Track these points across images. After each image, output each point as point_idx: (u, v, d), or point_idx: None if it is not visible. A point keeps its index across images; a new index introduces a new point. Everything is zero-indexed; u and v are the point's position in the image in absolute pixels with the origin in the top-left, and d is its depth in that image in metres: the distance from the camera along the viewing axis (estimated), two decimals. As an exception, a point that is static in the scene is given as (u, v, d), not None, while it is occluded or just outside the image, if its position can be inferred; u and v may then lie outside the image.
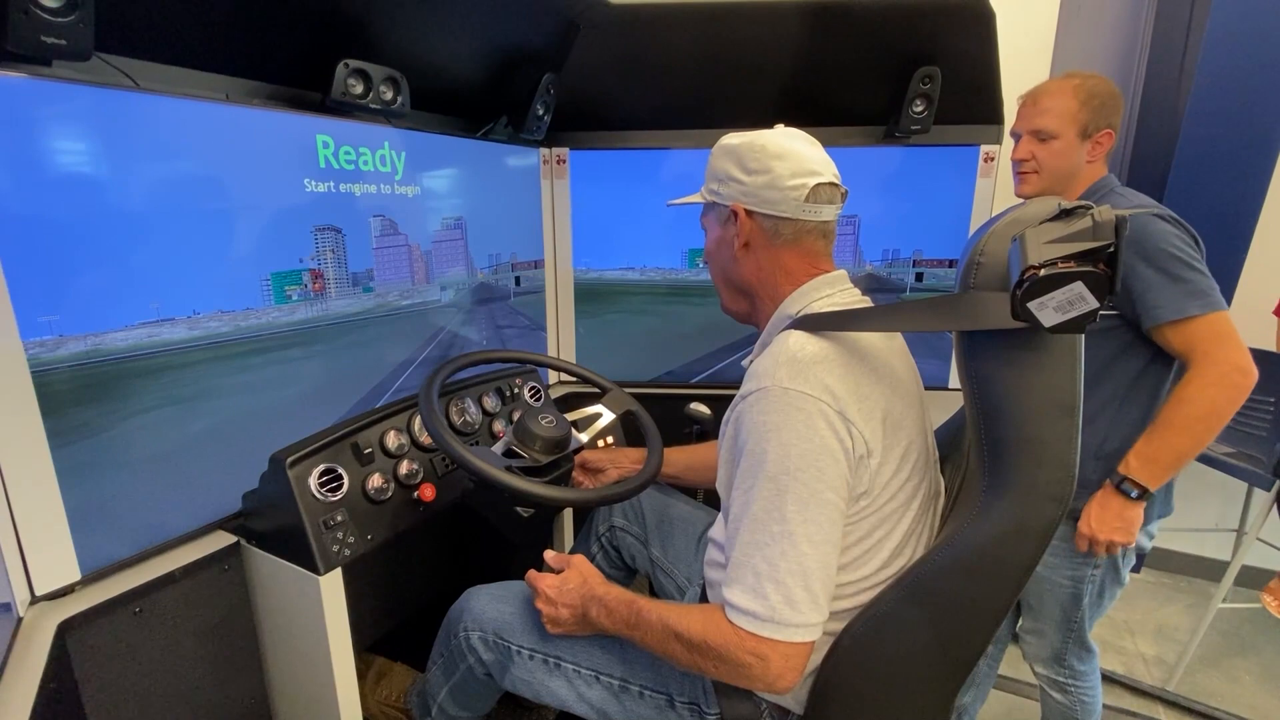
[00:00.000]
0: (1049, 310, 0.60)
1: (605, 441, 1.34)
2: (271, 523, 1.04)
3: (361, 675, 1.16)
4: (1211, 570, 2.28)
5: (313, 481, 1.01)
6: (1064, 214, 0.61)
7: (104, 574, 0.93)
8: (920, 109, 1.58)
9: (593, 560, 1.29)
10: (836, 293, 0.86)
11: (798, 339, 0.78)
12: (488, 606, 1.04)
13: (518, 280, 1.78)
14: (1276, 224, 1.90)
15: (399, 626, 1.39)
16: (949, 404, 0.95)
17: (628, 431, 1.37)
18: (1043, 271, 0.59)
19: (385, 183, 1.34)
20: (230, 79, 1.11)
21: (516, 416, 1.13)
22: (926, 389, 0.90)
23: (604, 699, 0.95)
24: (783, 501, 0.72)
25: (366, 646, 1.37)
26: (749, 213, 0.86)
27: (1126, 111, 1.94)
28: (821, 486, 0.72)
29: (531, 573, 0.97)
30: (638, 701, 0.94)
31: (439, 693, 1.11)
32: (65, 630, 0.85)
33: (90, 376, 0.90)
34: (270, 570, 1.05)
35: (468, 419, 1.31)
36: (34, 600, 0.86)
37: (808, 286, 0.86)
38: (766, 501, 0.73)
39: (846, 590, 0.80)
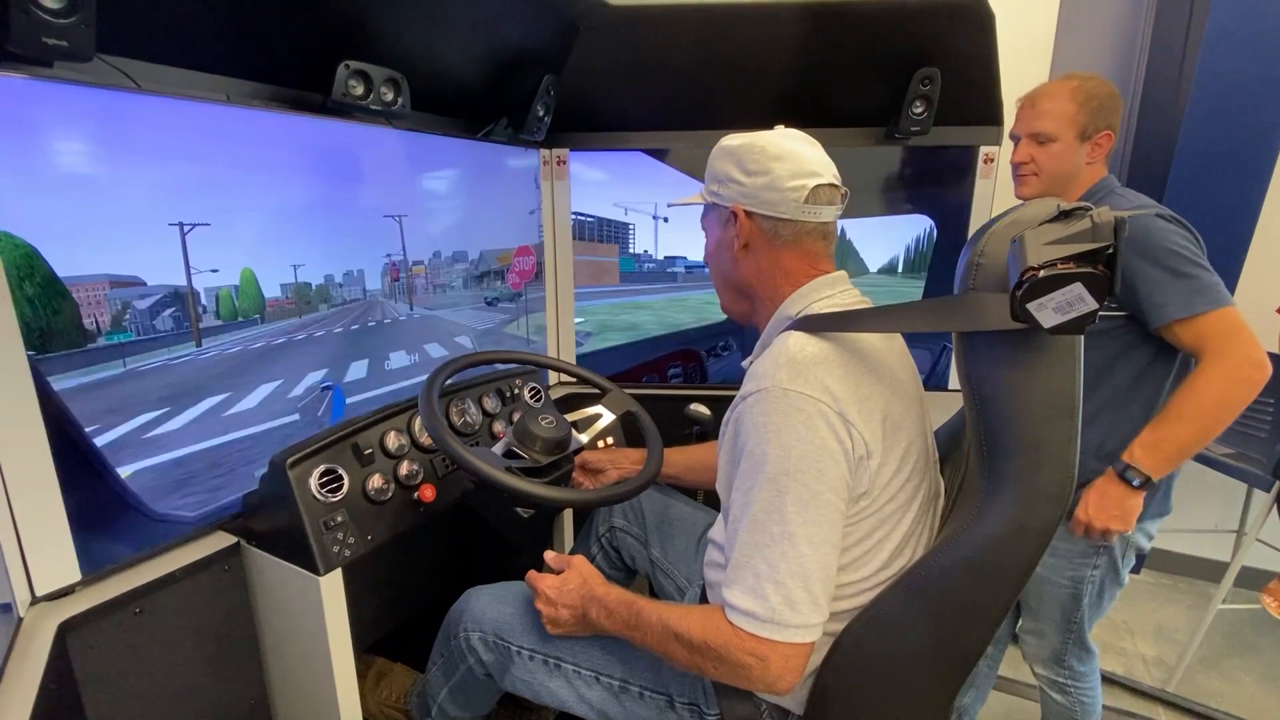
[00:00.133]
0: (1048, 311, 0.60)
1: (605, 442, 1.34)
2: (272, 523, 1.04)
3: (361, 676, 1.16)
4: (1211, 571, 2.28)
5: (313, 482, 1.01)
6: (1063, 215, 0.61)
7: (104, 574, 0.93)
8: (920, 110, 1.58)
9: (592, 561, 1.29)
10: (837, 293, 0.86)
11: (798, 340, 0.78)
12: (488, 607, 1.04)
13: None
14: (1276, 224, 1.90)
15: (399, 627, 1.39)
16: (949, 405, 0.95)
17: (628, 432, 1.37)
18: (1042, 273, 0.59)
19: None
20: (231, 80, 1.11)
21: (516, 417, 1.13)
22: (926, 390, 0.90)
23: (604, 699, 0.95)
24: (783, 502, 0.72)
25: (366, 647, 1.37)
26: (749, 214, 0.86)
27: (1126, 112, 1.94)
28: (821, 487, 0.72)
29: (531, 573, 0.98)
30: (637, 702, 0.94)
31: (439, 693, 1.11)
32: (65, 631, 0.85)
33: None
34: (270, 571, 1.05)
35: (468, 420, 1.31)
36: (34, 601, 0.86)
37: (808, 287, 0.86)
38: (766, 502, 0.73)
39: (846, 591, 0.80)
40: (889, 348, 0.85)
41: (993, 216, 0.70)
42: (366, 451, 1.09)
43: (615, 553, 1.32)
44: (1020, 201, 1.17)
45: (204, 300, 1.08)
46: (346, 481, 1.04)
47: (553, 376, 1.83)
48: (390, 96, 1.23)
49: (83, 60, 0.80)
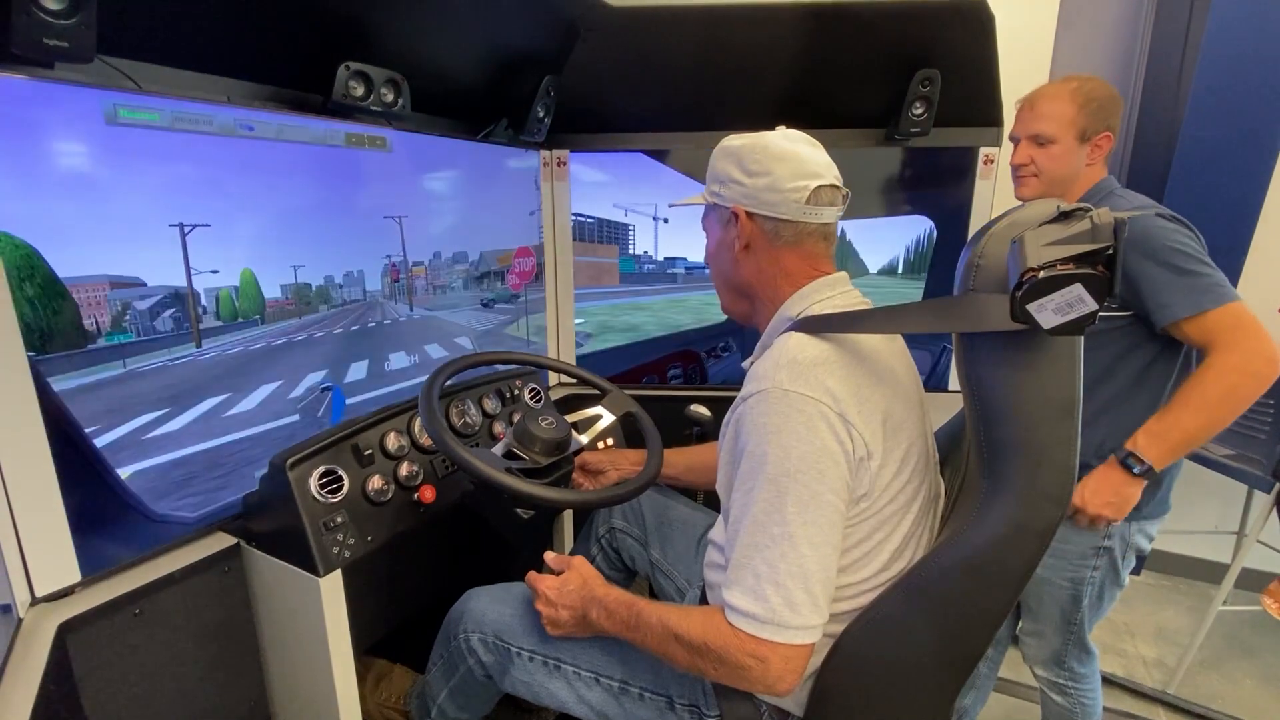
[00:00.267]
0: (1048, 312, 0.60)
1: (605, 443, 1.34)
2: (272, 524, 1.04)
3: (361, 677, 1.16)
4: (1211, 572, 2.28)
5: (313, 483, 1.01)
6: (1063, 216, 0.61)
7: (104, 575, 0.93)
8: (920, 111, 1.58)
9: (592, 562, 1.29)
10: (837, 294, 0.86)
11: (798, 341, 0.78)
12: (488, 608, 1.04)
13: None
14: (1276, 224, 1.91)
15: (399, 628, 1.39)
16: (949, 406, 0.95)
17: (627, 433, 1.37)
18: (1042, 273, 0.59)
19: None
20: (232, 81, 1.11)
21: (516, 418, 1.13)
22: (926, 391, 0.90)
23: (604, 701, 0.95)
24: (783, 503, 0.72)
25: (366, 648, 1.37)
26: (750, 215, 0.86)
27: (1126, 112, 1.95)
28: (822, 488, 0.72)
29: (531, 574, 0.98)
30: (637, 703, 0.94)
31: (439, 694, 1.11)
32: (65, 631, 0.85)
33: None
34: (270, 572, 1.05)
35: (468, 421, 1.31)
36: (34, 602, 0.86)
37: (808, 288, 0.86)
38: (767, 503, 0.73)
39: (846, 592, 0.80)
40: (889, 349, 0.85)
41: (992, 218, 0.70)
42: (366, 452, 1.09)
43: (615, 554, 1.32)
44: (1020, 203, 1.17)
45: (204, 301, 1.08)
46: (346, 482, 1.04)
47: (553, 377, 1.83)
48: (390, 97, 1.23)
49: (83, 61, 0.80)
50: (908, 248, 1.85)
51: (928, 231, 1.83)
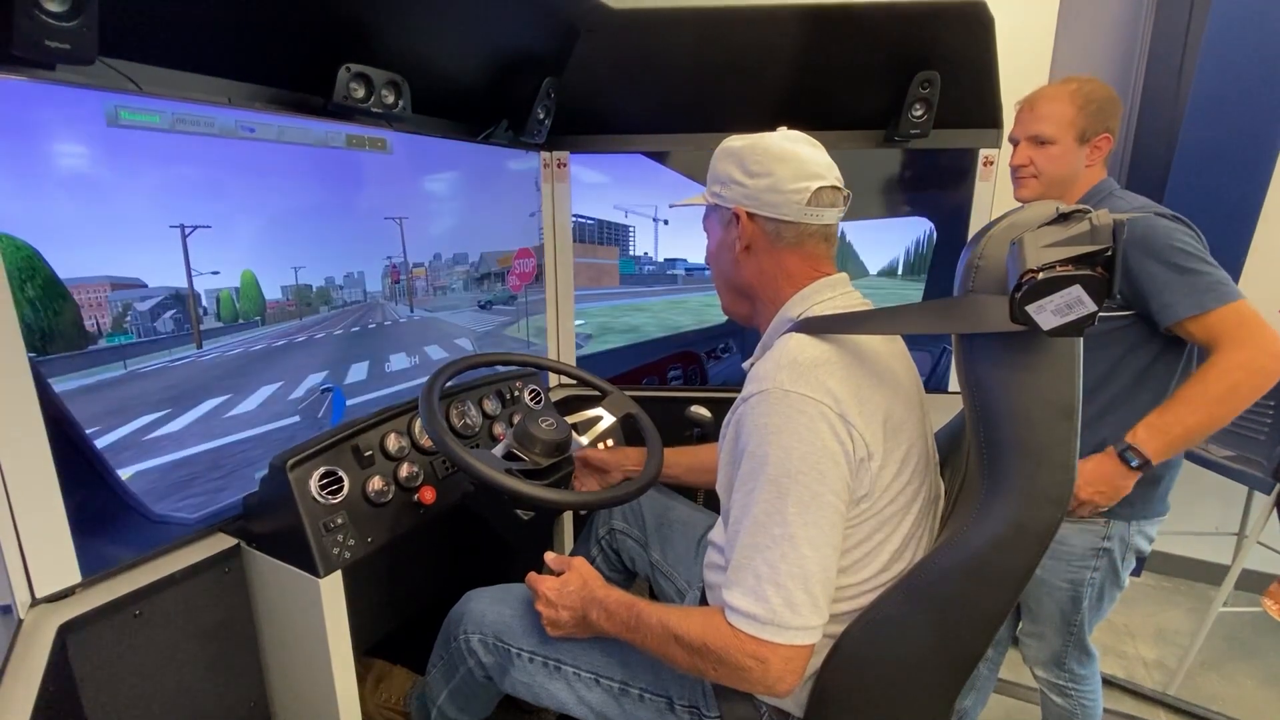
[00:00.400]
0: (1047, 313, 0.60)
1: (606, 444, 1.34)
2: (272, 525, 1.04)
3: (361, 678, 1.16)
4: (1212, 574, 2.28)
5: (313, 484, 1.01)
6: (1062, 218, 0.61)
7: (104, 576, 0.93)
8: (919, 113, 1.59)
9: (592, 563, 1.29)
10: (838, 295, 0.86)
11: (799, 342, 0.78)
12: (488, 609, 1.04)
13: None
14: (1277, 224, 1.91)
15: (399, 629, 1.39)
16: (949, 407, 0.95)
17: (628, 434, 1.38)
18: (1041, 275, 0.59)
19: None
20: (233, 83, 1.11)
21: (516, 419, 1.13)
22: (926, 392, 0.90)
23: (604, 702, 0.95)
24: (784, 504, 0.72)
25: (366, 649, 1.37)
26: (751, 215, 0.86)
27: (1126, 114, 1.95)
28: (823, 489, 0.72)
29: (531, 575, 0.98)
30: (637, 704, 0.94)
31: (439, 696, 1.11)
32: (65, 632, 0.85)
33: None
34: (270, 573, 1.05)
35: (468, 422, 1.31)
36: (34, 602, 0.86)
37: (809, 289, 0.86)
38: (767, 504, 0.73)
39: (846, 593, 0.80)
40: (890, 350, 0.85)
41: (992, 219, 0.70)
42: (367, 453, 1.09)
43: (615, 555, 1.32)
44: (1019, 204, 1.17)
45: (205, 302, 1.08)
46: (346, 483, 1.05)
47: (553, 379, 1.83)
48: (391, 99, 1.23)
49: (85, 63, 0.81)
50: (907, 249, 1.85)
51: (927, 233, 1.83)
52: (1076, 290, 0.58)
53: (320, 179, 1.26)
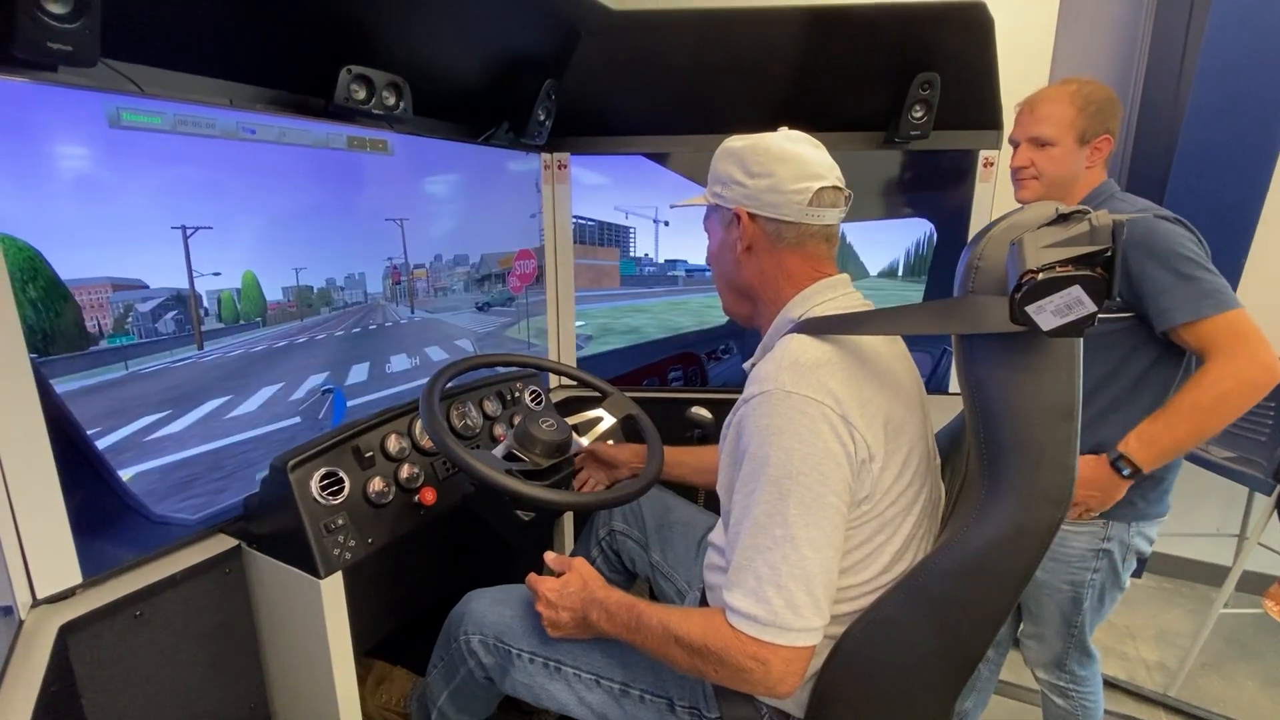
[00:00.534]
0: (1047, 314, 0.60)
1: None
2: (273, 526, 1.04)
3: (361, 680, 1.16)
4: (1213, 575, 2.27)
5: (314, 485, 1.01)
6: (1061, 218, 0.62)
7: (105, 577, 0.93)
8: (920, 114, 1.59)
9: (593, 564, 1.28)
10: (839, 296, 0.86)
11: (800, 343, 0.78)
12: (488, 610, 1.04)
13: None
14: (1277, 225, 1.91)
15: (399, 630, 1.39)
16: (949, 408, 0.95)
17: (628, 435, 1.38)
18: (1041, 275, 0.59)
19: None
20: (234, 84, 1.12)
21: (517, 420, 1.13)
22: (927, 393, 0.90)
23: (604, 703, 0.95)
24: (785, 505, 0.72)
25: (366, 651, 1.37)
26: (752, 216, 0.86)
27: (1126, 114, 1.95)
28: (824, 490, 0.72)
29: (531, 576, 0.98)
30: (638, 705, 0.94)
31: (439, 697, 1.11)
32: (66, 633, 0.85)
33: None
34: (271, 574, 1.05)
35: (468, 423, 1.32)
36: (35, 603, 0.86)
37: (810, 290, 0.86)
38: (769, 505, 0.73)
39: (847, 594, 0.80)
40: (891, 351, 0.85)
41: (992, 220, 0.70)
42: (367, 454, 1.09)
43: (615, 556, 1.32)
44: (1020, 205, 1.17)
45: (206, 303, 1.08)
46: (347, 484, 1.05)
47: (553, 380, 1.83)
48: (392, 101, 1.24)
49: (87, 65, 0.81)
50: (908, 250, 1.85)
51: (928, 234, 1.83)
52: (1076, 291, 0.58)
53: (321, 180, 1.26)
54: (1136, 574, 1.27)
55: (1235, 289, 1.04)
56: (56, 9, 0.75)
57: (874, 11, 1.44)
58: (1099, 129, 1.16)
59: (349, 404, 1.37)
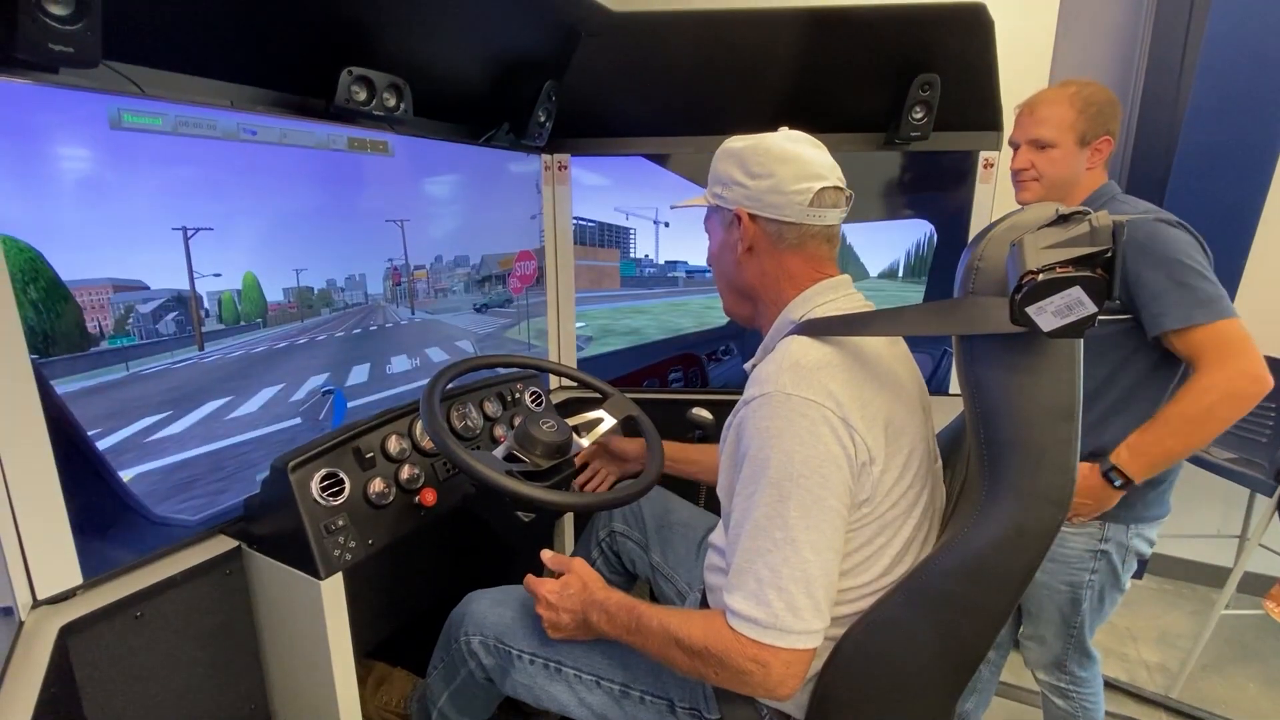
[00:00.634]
0: (1048, 315, 0.60)
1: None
2: (273, 527, 1.04)
3: (361, 681, 1.16)
4: (1214, 576, 2.27)
5: (314, 486, 1.01)
6: (1062, 219, 0.62)
7: (105, 578, 0.93)
8: (920, 116, 1.59)
9: (593, 565, 1.29)
10: (840, 297, 0.86)
11: (801, 344, 0.78)
12: (488, 611, 1.04)
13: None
14: (1277, 228, 1.91)
15: (399, 632, 1.39)
16: (950, 409, 0.95)
17: (629, 436, 1.37)
18: (1041, 276, 0.59)
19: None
20: (235, 86, 1.12)
21: (517, 421, 1.13)
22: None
23: (605, 704, 0.95)
24: (785, 508, 0.72)
25: (367, 652, 1.37)
26: (753, 217, 0.85)
27: (1126, 117, 1.95)
28: (825, 493, 0.72)
29: (530, 578, 0.97)
30: (638, 707, 0.94)
31: (439, 698, 1.11)
32: (67, 634, 0.85)
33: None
34: (271, 575, 1.05)
35: (469, 424, 1.32)
36: (36, 604, 0.86)
37: (811, 291, 0.86)
38: (769, 508, 0.73)
39: (847, 596, 0.80)
40: (892, 353, 0.84)
41: (992, 221, 0.70)
42: (368, 455, 1.09)
43: (616, 557, 1.32)
44: (1020, 206, 1.17)
45: (206, 304, 1.08)
46: (348, 485, 1.05)
47: (554, 381, 1.83)
48: (393, 102, 1.24)
49: (88, 66, 0.81)
50: (908, 251, 1.86)
51: (928, 235, 1.84)
52: (1076, 292, 0.58)
53: (322, 181, 1.26)
54: (1137, 575, 1.27)
55: (1235, 290, 1.04)
56: (58, 10, 0.75)
57: (874, 13, 1.44)
58: (1099, 130, 1.16)
59: (349, 405, 1.37)
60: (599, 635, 0.90)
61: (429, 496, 1.15)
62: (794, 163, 0.83)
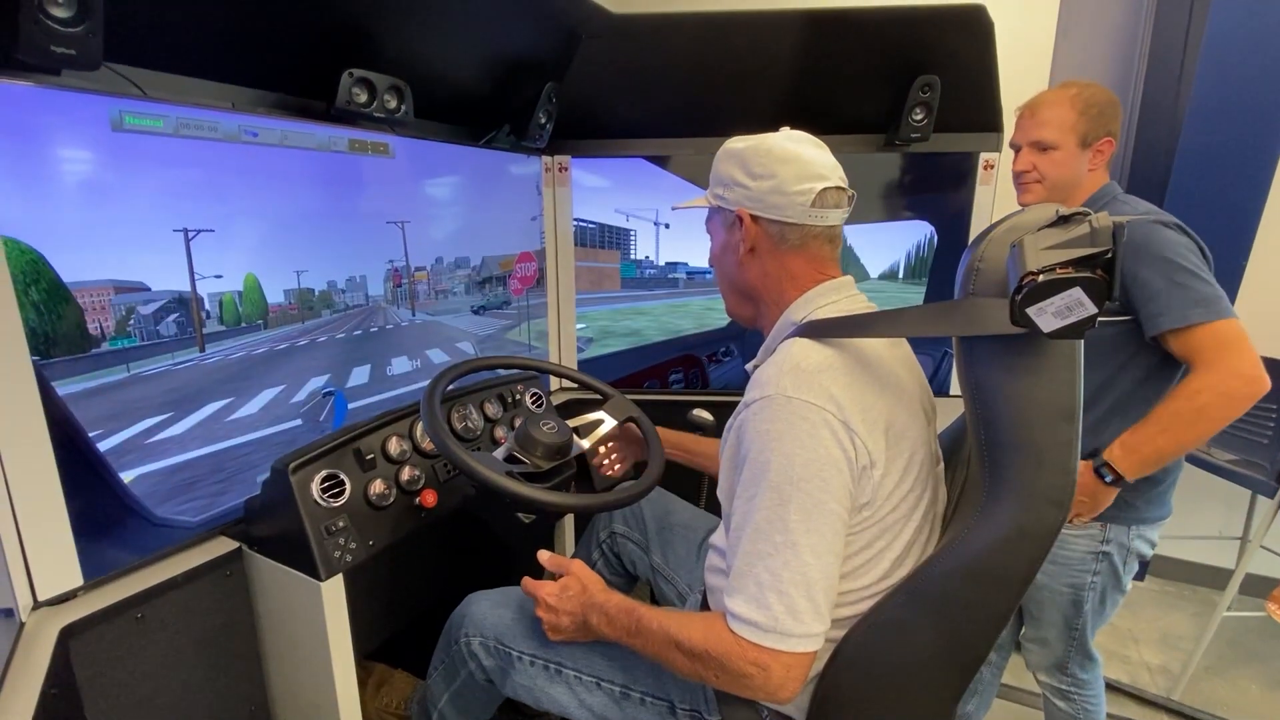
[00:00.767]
0: (1048, 316, 0.60)
1: (607, 448, 1.34)
2: (273, 528, 1.04)
3: (362, 683, 1.16)
4: (1216, 578, 2.27)
5: (315, 487, 1.01)
6: (1062, 220, 0.62)
7: (106, 579, 0.93)
8: (920, 117, 1.59)
9: (593, 566, 1.29)
10: (842, 299, 0.86)
11: (802, 347, 0.78)
12: (489, 612, 1.04)
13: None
14: (1278, 228, 1.90)
15: (400, 633, 1.39)
16: (951, 410, 0.95)
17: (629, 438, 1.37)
18: (1041, 277, 0.59)
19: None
20: (236, 88, 1.12)
21: (518, 423, 1.13)
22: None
23: (605, 705, 0.95)
24: (786, 511, 0.72)
25: (367, 653, 1.37)
26: (754, 218, 0.85)
27: (1126, 118, 1.95)
28: (825, 497, 0.72)
29: (527, 580, 0.97)
30: (639, 708, 0.93)
31: (440, 700, 1.11)
32: (67, 636, 0.85)
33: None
34: (272, 576, 1.05)
35: (469, 425, 1.32)
36: (36, 605, 0.86)
37: (813, 292, 0.86)
38: (769, 511, 0.73)
39: (847, 599, 0.80)
40: (894, 355, 0.84)
41: (992, 222, 0.70)
42: (368, 457, 1.09)
43: (616, 558, 1.32)
44: (1021, 207, 1.17)
45: (208, 306, 1.09)
46: (348, 487, 1.05)
47: (554, 382, 1.83)
48: (393, 104, 1.24)
49: (90, 69, 0.81)
50: (908, 252, 1.86)
51: (928, 236, 1.84)
52: (1076, 292, 0.58)
53: (323, 183, 1.26)
54: (1139, 577, 1.27)
55: (1236, 291, 1.04)
56: (60, 13, 0.75)
57: (874, 14, 1.44)
58: (1100, 132, 1.16)
59: (350, 406, 1.37)
60: (599, 637, 0.90)
61: (429, 498, 1.15)
62: (795, 163, 0.83)
